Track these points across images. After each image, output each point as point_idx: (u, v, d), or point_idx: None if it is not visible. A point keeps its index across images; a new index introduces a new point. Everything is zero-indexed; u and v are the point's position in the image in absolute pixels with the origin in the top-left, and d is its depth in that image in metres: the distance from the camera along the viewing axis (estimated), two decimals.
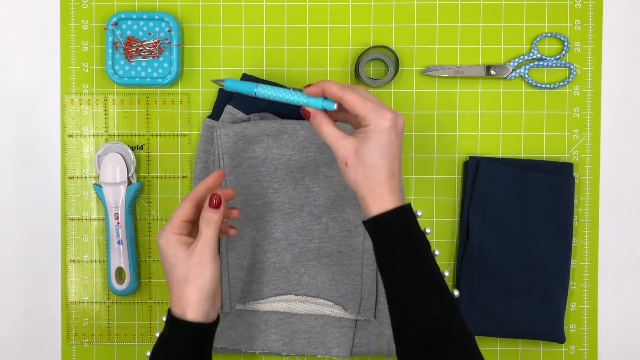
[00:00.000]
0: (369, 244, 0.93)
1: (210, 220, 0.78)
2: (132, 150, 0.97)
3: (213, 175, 0.81)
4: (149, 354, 0.79)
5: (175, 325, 0.76)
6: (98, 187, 0.96)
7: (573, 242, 0.97)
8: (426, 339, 0.72)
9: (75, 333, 0.99)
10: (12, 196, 0.99)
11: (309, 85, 0.79)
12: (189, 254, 0.77)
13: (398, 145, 0.76)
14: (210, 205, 0.78)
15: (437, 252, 0.78)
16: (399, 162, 0.76)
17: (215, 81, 0.85)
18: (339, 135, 0.77)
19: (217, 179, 0.81)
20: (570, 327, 0.98)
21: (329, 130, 0.77)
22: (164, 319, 0.79)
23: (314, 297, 0.94)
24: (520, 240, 0.96)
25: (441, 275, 0.74)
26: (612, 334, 0.98)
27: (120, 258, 0.96)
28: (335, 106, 0.78)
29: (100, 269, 0.99)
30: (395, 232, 0.74)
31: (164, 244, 0.77)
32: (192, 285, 0.76)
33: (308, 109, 0.79)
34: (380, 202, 0.75)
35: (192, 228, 0.80)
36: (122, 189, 0.95)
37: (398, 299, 0.74)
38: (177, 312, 0.76)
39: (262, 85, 0.81)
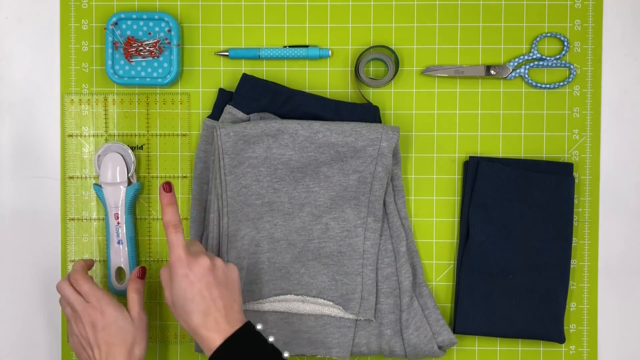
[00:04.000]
0: (369, 243, 0.93)
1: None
2: (132, 150, 0.97)
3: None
4: None
5: None
6: (98, 187, 0.96)
7: (573, 242, 0.97)
8: None
9: None
10: (12, 196, 0.99)
11: None
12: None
13: (190, 282, 0.80)
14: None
15: (286, 354, 0.81)
16: (207, 293, 0.80)
17: (219, 53, 0.95)
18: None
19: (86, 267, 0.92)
20: (570, 327, 0.98)
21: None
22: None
23: (314, 297, 0.94)
24: (520, 240, 0.96)
25: None
26: (612, 334, 0.98)
27: (120, 258, 0.96)
28: (330, 52, 0.96)
29: (100, 269, 0.99)
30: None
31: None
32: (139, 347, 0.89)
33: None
34: (215, 336, 0.80)
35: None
36: (122, 189, 0.95)
37: None
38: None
39: (264, 48, 0.95)
